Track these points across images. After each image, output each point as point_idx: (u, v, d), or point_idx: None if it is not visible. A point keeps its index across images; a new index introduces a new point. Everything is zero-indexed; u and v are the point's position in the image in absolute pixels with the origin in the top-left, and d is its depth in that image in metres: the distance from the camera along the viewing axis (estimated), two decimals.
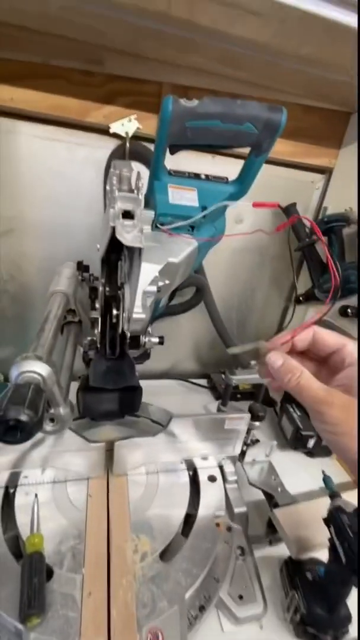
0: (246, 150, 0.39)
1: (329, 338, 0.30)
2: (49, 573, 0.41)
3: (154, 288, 0.38)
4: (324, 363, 0.32)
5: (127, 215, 0.24)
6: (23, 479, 0.51)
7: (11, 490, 0.51)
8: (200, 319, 0.92)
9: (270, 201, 0.36)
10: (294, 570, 0.47)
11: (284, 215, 0.79)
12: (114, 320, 0.38)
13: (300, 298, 0.84)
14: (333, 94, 0.67)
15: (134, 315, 0.34)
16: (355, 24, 0.44)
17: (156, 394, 0.77)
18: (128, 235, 0.23)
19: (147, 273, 0.34)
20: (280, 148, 0.74)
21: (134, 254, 0.27)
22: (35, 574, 0.39)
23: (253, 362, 0.85)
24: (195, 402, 0.87)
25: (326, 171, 0.82)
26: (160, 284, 0.40)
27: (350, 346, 0.29)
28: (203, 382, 0.95)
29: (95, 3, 0.45)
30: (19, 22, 0.50)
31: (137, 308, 0.34)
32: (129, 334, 0.48)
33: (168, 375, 0.97)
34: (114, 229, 0.24)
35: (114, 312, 0.37)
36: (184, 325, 0.94)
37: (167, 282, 0.42)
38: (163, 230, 0.37)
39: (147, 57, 0.58)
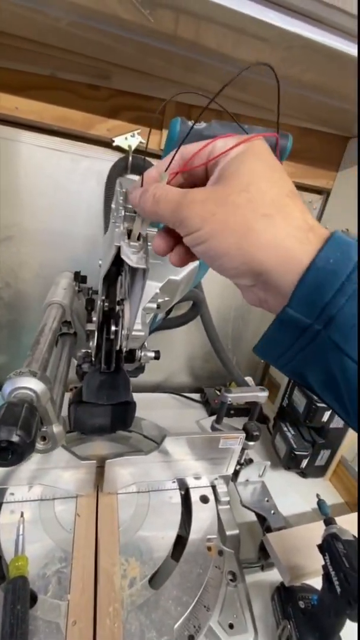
0: None
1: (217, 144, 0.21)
2: (33, 599, 0.39)
3: (153, 305, 0.38)
4: None
5: (133, 235, 0.24)
6: (9, 496, 0.49)
7: None
8: (194, 333, 0.92)
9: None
10: (287, 598, 0.46)
11: None
12: (112, 335, 0.37)
13: None
14: (333, 119, 0.69)
15: (134, 333, 0.34)
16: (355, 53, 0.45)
17: (149, 407, 0.76)
18: (134, 257, 0.23)
19: (148, 290, 0.34)
20: None
21: (138, 273, 0.27)
22: (19, 600, 0.37)
23: (248, 378, 0.84)
24: (188, 416, 0.86)
25: (323, 192, 0.84)
26: (160, 300, 0.39)
27: (220, 140, 0.21)
28: (196, 396, 0.94)
29: (105, 22, 0.45)
30: (27, 34, 0.50)
31: (137, 325, 0.33)
32: (125, 349, 0.47)
33: (161, 389, 0.96)
34: (119, 248, 0.24)
35: (113, 328, 0.36)
36: (178, 339, 0.93)
37: (166, 298, 0.42)
38: None
39: (154, 75, 0.59)
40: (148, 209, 0.21)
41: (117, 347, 0.39)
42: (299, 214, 0.18)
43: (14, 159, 0.64)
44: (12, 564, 0.41)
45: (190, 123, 0.29)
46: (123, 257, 0.23)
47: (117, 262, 0.38)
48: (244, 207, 0.18)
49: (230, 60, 0.52)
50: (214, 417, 0.82)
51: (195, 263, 0.39)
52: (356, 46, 0.45)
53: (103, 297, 0.37)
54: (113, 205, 0.27)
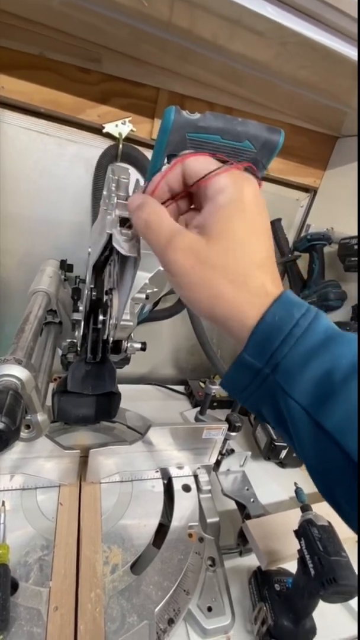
0: None
1: (197, 165, 0.22)
2: (14, 586, 0.39)
3: (142, 295, 0.37)
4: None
5: (125, 223, 0.23)
6: None
7: None
8: (180, 326, 0.92)
9: None
10: (263, 582, 0.48)
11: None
12: (99, 325, 0.37)
13: None
14: (323, 118, 0.70)
15: (122, 323, 0.33)
16: (353, 56, 0.45)
17: (133, 398, 0.76)
18: (125, 245, 0.23)
19: (137, 280, 0.34)
20: (270, 165, 0.75)
21: (129, 262, 0.27)
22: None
23: None
24: (172, 408, 0.87)
25: (310, 190, 0.85)
26: (149, 291, 0.39)
27: (220, 178, 0.22)
28: (180, 388, 0.95)
29: (98, 3, 0.44)
30: (18, 11, 0.48)
31: (125, 315, 0.33)
32: (111, 340, 0.47)
33: (145, 380, 0.96)
34: (110, 236, 0.23)
35: (100, 317, 0.36)
36: (164, 331, 0.93)
37: (155, 289, 0.42)
38: None
39: (147, 62, 0.58)
40: (138, 227, 0.23)
41: (104, 337, 0.39)
42: (259, 284, 0.21)
43: None
44: None
45: (185, 113, 0.29)
46: (114, 244, 0.23)
47: (106, 251, 0.37)
48: (219, 272, 0.21)
49: (224, 52, 0.52)
50: (197, 409, 0.84)
51: None
52: (354, 47, 0.45)
53: (92, 286, 0.37)
54: (105, 192, 0.27)
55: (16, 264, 0.73)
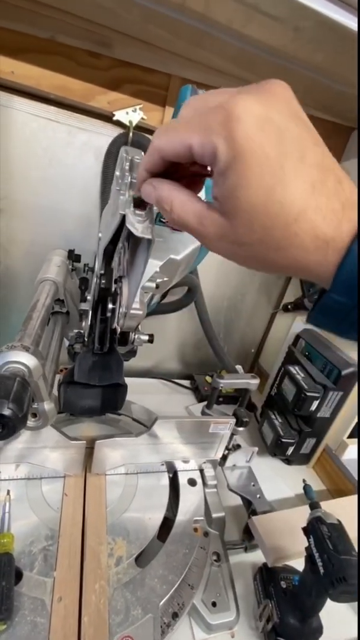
0: None
1: (169, 146, 0.20)
2: (18, 575, 0.39)
3: (152, 284, 0.37)
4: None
5: (139, 203, 0.22)
6: None
7: None
8: (187, 319, 0.91)
9: None
10: (269, 578, 0.47)
11: None
12: (108, 314, 0.36)
13: (289, 306, 0.84)
14: (338, 107, 0.68)
15: (132, 311, 0.33)
16: None
17: (138, 392, 0.75)
18: (139, 226, 0.22)
19: (148, 267, 0.33)
20: None
21: (141, 246, 0.26)
22: (3, 577, 0.36)
23: (238, 367, 0.85)
24: (177, 402, 0.86)
25: None
26: (159, 280, 0.38)
27: (205, 142, 0.18)
28: (186, 382, 0.95)
29: None
30: None
31: (135, 304, 0.32)
32: (119, 329, 0.46)
33: (151, 374, 0.95)
34: (124, 217, 0.22)
35: (110, 306, 0.35)
36: (170, 325, 0.92)
37: (165, 279, 0.41)
38: (166, 225, 0.35)
39: (159, 47, 0.57)
40: (174, 216, 0.21)
41: (113, 327, 0.38)
42: (310, 240, 0.18)
43: (7, 127, 0.61)
44: None
45: (201, 92, 0.28)
46: (128, 225, 0.22)
47: (115, 239, 0.36)
48: (258, 246, 0.19)
49: (239, 37, 0.50)
50: (203, 404, 0.83)
51: (197, 244, 0.38)
52: None
53: (102, 272, 0.36)
54: (117, 172, 0.26)
55: (22, 253, 0.72)
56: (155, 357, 0.97)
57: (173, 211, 0.20)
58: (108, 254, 0.36)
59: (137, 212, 0.22)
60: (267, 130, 0.17)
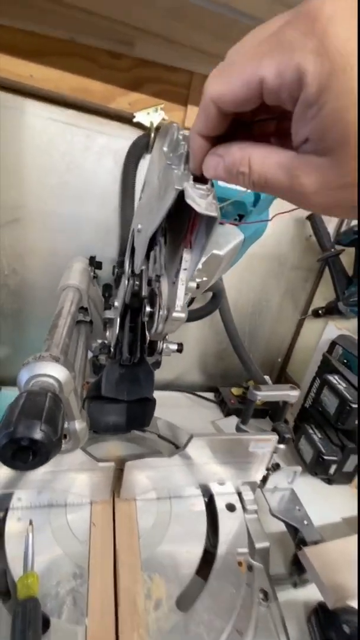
0: None
1: (230, 89, 0.16)
2: (45, 623, 0.34)
3: (193, 284, 0.32)
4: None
5: (199, 178, 0.18)
6: (16, 502, 0.43)
7: (0, 514, 0.43)
8: (207, 329, 0.87)
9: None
10: (327, 622, 0.41)
11: (308, 224, 0.76)
12: (145, 318, 0.32)
13: (320, 311, 0.79)
14: None
15: (174, 314, 0.28)
16: None
17: (160, 406, 0.70)
18: (202, 201, 0.18)
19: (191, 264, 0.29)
20: None
21: (199, 229, 0.22)
22: (29, 626, 0.31)
23: (267, 377, 0.79)
24: (202, 417, 0.81)
25: None
26: (198, 280, 0.34)
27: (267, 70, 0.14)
28: (209, 395, 0.89)
29: None
30: None
31: (178, 307, 0.28)
32: (148, 338, 0.42)
33: (172, 387, 0.90)
34: (181, 193, 0.18)
35: (147, 309, 0.31)
36: (191, 334, 0.88)
37: (204, 279, 0.37)
38: None
39: (181, 43, 0.54)
40: (254, 177, 0.16)
41: (151, 333, 0.34)
42: None
43: (24, 133, 0.59)
44: (21, 582, 0.35)
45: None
46: (188, 201, 0.18)
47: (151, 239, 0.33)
48: None
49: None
50: (231, 418, 0.78)
51: (240, 237, 0.34)
52: None
53: (144, 267, 0.32)
54: (165, 148, 0.22)
55: (39, 263, 0.69)
56: (177, 368, 0.93)
57: (253, 171, 0.16)
58: (150, 247, 0.32)
59: (198, 185, 0.18)
60: None
